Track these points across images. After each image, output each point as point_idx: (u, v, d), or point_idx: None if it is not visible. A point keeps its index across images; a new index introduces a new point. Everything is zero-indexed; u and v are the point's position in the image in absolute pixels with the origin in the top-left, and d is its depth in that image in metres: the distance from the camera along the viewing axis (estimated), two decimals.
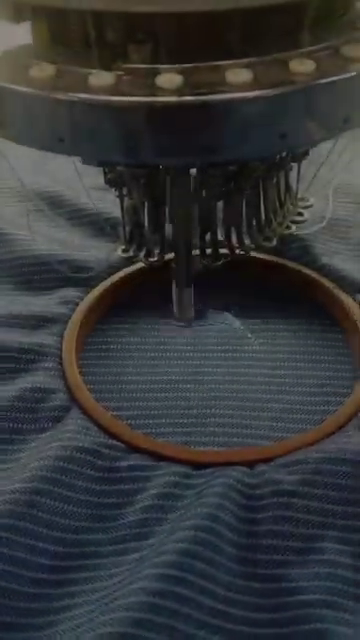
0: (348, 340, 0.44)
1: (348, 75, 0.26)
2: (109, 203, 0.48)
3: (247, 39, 0.26)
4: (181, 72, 0.25)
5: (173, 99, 0.25)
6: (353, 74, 0.26)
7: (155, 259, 0.39)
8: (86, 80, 0.26)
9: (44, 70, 0.26)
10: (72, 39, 0.27)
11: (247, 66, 0.25)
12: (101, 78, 0.26)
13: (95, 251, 0.48)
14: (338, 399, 0.39)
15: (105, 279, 0.46)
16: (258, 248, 0.39)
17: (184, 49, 0.26)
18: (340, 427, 0.36)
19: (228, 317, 0.45)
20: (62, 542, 0.32)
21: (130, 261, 0.46)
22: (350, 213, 0.53)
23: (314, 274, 0.46)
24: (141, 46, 0.26)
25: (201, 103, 0.25)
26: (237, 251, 0.39)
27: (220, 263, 0.39)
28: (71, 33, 0.27)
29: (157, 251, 0.39)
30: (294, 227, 0.41)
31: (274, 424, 0.38)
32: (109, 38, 0.26)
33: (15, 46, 0.29)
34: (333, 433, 0.36)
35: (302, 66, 0.26)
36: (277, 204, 0.39)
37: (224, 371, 0.42)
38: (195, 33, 0.26)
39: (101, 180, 0.37)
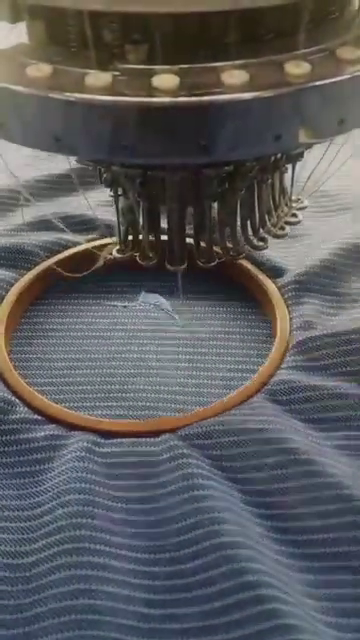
0: (268, 321, 0.46)
1: (343, 77, 0.26)
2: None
3: (243, 41, 0.26)
4: (177, 73, 0.25)
5: (169, 100, 0.25)
6: (348, 76, 0.26)
7: (150, 259, 0.39)
8: (82, 80, 0.26)
9: (41, 70, 0.26)
10: (68, 39, 0.27)
11: (243, 67, 0.26)
12: (98, 78, 0.26)
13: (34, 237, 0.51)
14: (253, 376, 0.41)
15: (40, 263, 0.49)
16: (252, 249, 0.40)
17: (180, 50, 0.26)
18: (245, 400, 0.39)
19: (158, 298, 0.48)
20: None
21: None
22: None
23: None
24: (137, 47, 0.26)
25: (197, 104, 0.25)
26: (231, 252, 0.39)
27: (214, 263, 0.39)
28: (68, 33, 0.27)
29: (152, 251, 0.39)
30: (288, 228, 0.41)
31: (190, 398, 0.41)
32: (106, 38, 0.26)
33: (11, 45, 0.29)
34: (238, 405, 0.38)
35: (297, 68, 0.26)
36: (272, 205, 0.39)
37: (148, 349, 0.44)
38: (191, 34, 0.26)
39: None
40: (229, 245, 0.39)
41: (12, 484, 0.35)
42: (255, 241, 0.39)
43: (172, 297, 0.48)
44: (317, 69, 0.26)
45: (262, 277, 0.48)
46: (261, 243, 0.39)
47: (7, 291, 0.46)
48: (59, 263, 0.48)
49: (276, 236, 0.40)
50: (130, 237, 0.39)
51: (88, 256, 0.47)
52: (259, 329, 0.46)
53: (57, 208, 0.54)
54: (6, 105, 0.27)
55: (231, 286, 0.49)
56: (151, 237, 0.38)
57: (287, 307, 0.45)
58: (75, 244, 0.50)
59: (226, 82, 0.25)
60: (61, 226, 0.48)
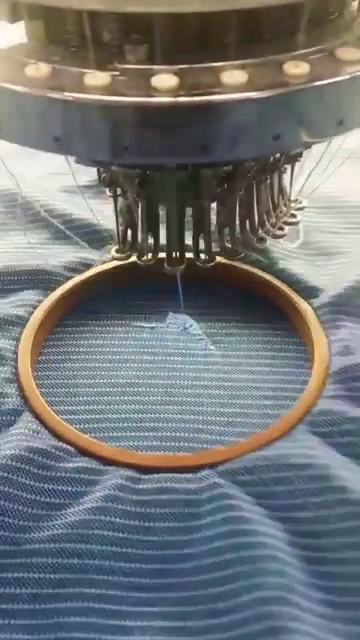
0: (304, 344, 0.44)
1: (342, 78, 0.26)
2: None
3: (242, 41, 0.26)
4: (176, 73, 0.25)
5: (168, 100, 0.25)
6: (347, 77, 0.26)
7: (149, 259, 0.39)
8: (82, 80, 0.26)
9: (40, 69, 0.26)
10: (68, 39, 0.27)
11: (242, 68, 0.26)
12: (97, 78, 0.26)
13: (55, 256, 0.49)
14: (291, 403, 0.39)
15: (64, 282, 0.47)
16: (251, 249, 0.39)
17: (180, 50, 0.26)
18: (286, 432, 0.36)
19: (188, 320, 0.45)
20: (4, 541, 0.32)
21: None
22: (309, 217, 0.52)
23: (271, 278, 0.46)
24: (137, 47, 0.26)
25: (196, 104, 0.25)
26: (230, 252, 0.39)
27: (213, 264, 0.39)
28: (67, 33, 0.27)
29: (150, 252, 0.39)
30: (287, 229, 0.41)
31: (226, 429, 0.38)
32: (105, 38, 0.27)
33: (10, 45, 0.29)
34: (280, 437, 0.36)
35: (296, 68, 0.26)
36: (270, 205, 0.39)
37: (179, 375, 0.42)
38: (190, 34, 0.26)
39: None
40: (228, 245, 0.39)
41: (34, 514, 0.33)
42: (254, 241, 0.39)
43: (201, 319, 0.45)
44: (316, 69, 0.26)
45: (296, 298, 0.45)
46: (260, 244, 0.39)
47: (31, 313, 0.44)
48: (83, 283, 0.47)
49: (275, 236, 0.40)
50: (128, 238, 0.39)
51: (111, 275, 0.46)
52: (294, 352, 0.43)
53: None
54: (5, 105, 0.27)
55: (263, 307, 0.46)
56: (150, 238, 0.38)
57: (324, 330, 0.43)
58: (99, 262, 0.48)
59: (225, 82, 0.25)
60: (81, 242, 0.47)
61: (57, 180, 0.56)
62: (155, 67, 0.26)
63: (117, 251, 0.40)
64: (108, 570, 0.30)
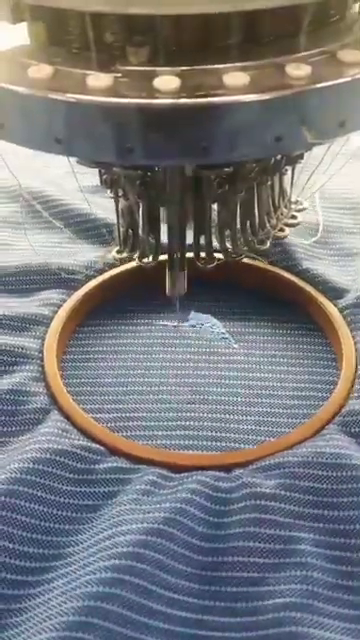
0: (329, 344, 0.44)
1: (343, 80, 0.26)
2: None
3: (244, 43, 0.26)
4: (178, 75, 0.25)
5: (170, 101, 0.25)
6: (349, 79, 0.26)
7: (150, 260, 0.39)
8: (84, 81, 0.26)
9: (42, 71, 0.27)
10: (70, 40, 0.27)
11: (244, 69, 0.26)
12: (99, 80, 0.26)
13: (80, 254, 0.49)
14: (319, 403, 0.40)
15: (88, 282, 0.47)
16: (252, 251, 0.39)
17: (182, 52, 0.26)
18: (318, 431, 0.36)
19: (211, 319, 0.46)
20: (39, 544, 0.32)
21: (122, 262, 0.46)
22: (331, 218, 0.53)
23: (295, 278, 0.47)
24: (139, 48, 0.26)
25: (198, 106, 0.25)
26: (231, 254, 0.39)
27: (214, 265, 0.39)
28: (69, 34, 0.27)
29: (152, 253, 0.39)
30: (288, 230, 0.41)
31: (255, 428, 0.39)
32: (107, 40, 0.27)
33: (12, 47, 0.29)
34: (311, 437, 0.36)
35: (298, 70, 0.26)
36: (271, 207, 0.39)
37: (205, 374, 0.42)
38: (193, 36, 0.26)
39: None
40: (229, 246, 0.39)
41: (69, 517, 0.33)
42: (255, 243, 0.39)
43: (225, 318, 0.46)
44: (318, 71, 0.26)
45: (322, 298, 0.45)
46: (261, 245, 0.39)
47: (55, 312, 0.44)
48: (106, 282, 0.47)
49: (276, 237, 0.40)
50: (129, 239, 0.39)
51: (135, 274, 0.46)
52: (320, 353, 0.44)
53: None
54: (7, 106, 0.27)
55: (287, 308, 0.47)
56: (151, 239, 0.38)
57: (350, 331, 0.43)
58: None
59: (227, 84, 0.25)
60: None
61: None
62: (157, 69, 0.26)
63: (118, 252, 0.40)
64: (147, 558, 0.30)
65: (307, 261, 0.48)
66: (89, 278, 0.47)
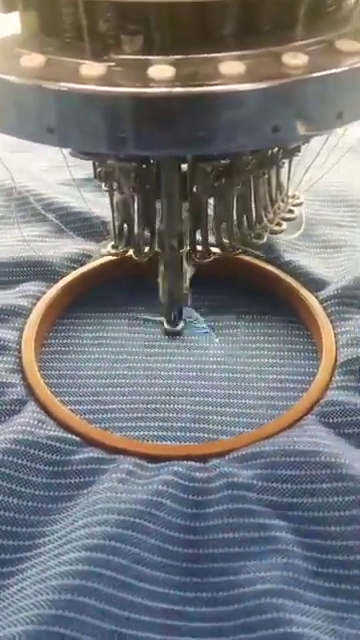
0: (310, 336, 0.44)
1: (341, 70, 0.26)
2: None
3: (240, 31, 0.26)
4: (173, 64, 0.25)
5: (164, 90, 0.24)
6: (346, 69, 0.26)
7: (145, 254, 0.38)
8: (77, 70, 0.25)
9: (34, 60, 0.26)
10: (63, 29, 0.27)
11: (240, 59, 0.25)
12: (92, 69, 0.25)
13: (62, 247, 0.49)
14: (298, 394, 0.40)
15: (66, 274, 0.47)
16: (248, 246, 0.39)
17: (176, 40, 0.26)
18: (295, 422, 0.37)
19: (192, 313, 0.45)
20: (12, 536, 0.32)
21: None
22: (314, 210, 0.53)
23: (277, 270, 0.47)
24: (133, 37, 0.26)
25: (194, 95, 0.24)
26: (228, 248, 0.38)
27: (210, 260, 0.38)
28: (62, 23, 0.27)
29: (147, 247, 0.38)
30: (284, 224, 0.41)
31: (233, 419, 0.39)
32: (101, 28, 0.26)
33: (4, 36, 0.29)
34: (288, 427, 0.36)
35: (295, 59, 0.25)
36: (268, 201, 0.39)
37: (185, 367, 0.42)
38: (188, 24, 0.26)
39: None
40: (225, 241, 0.38)
41: (42, 508, 0.33)
42: (251, 237, 0.39)
43: (206, 312, 0.46)
44: (315, 60, 0.26)
45: (302, 290, 0.45)
46: (257, 240, 0.39)
47: (34, 304, 0.44)
48: (86, 275, 0.47)
49: (273, 232, 0.40)
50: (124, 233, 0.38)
51: (116, 265, 0.46)
52: (301, 344, 0.44)
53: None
54: None
55: (269, 300, 0.47)
56: (147, 233, 0.38)
57: (331, 322, 0.43)
58: (96, 257, 0.48)
59: (223, 73, 0.25)
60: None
61: (60, 173, 0.55)
62: (152, 57, 0.26)
63: (113, 247, 0.39)
64: (124, 552, 0.30)
65: (289, 253, 0.48)
66: (70, 270, 0.47)
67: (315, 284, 0.46)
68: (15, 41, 0.28)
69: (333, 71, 0.25)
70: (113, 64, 0.26)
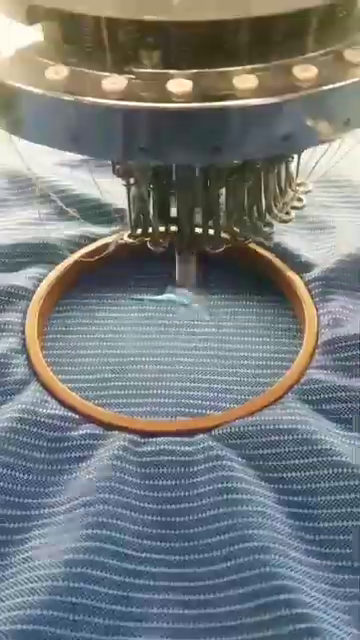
0: (295, 317, 0.46)
1: (350, 81, 0.27)
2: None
3: (253, 46, 0.27)
4: (190, 77, 0.26)
5: (185, 105, 0.26)
6: (355, 80, 0.27)
7: (160, 244, 0.40)
8: (99, 84, 0.27)
9: (59, 73, 0.27)
10: (85, 42, 0.28)
11: (253, 72, 0.27)
12: (114, 82, 0.27)
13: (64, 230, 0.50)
14: (282, 372, 0.42)
15: (68, 256, 0.48)
16: (258, 234, 0.41)
17: (193, 55, 0.27)
18: (278, 399, 0.39)
19: (185, 292, 0.47)
20: (14, 506, 0.34)
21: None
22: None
23: (265, 252, 0.48)
24: (152, 52, 0.27)
25: (211, 109, 0.26)
26: (239, 237, 0.40)
27: (222, 249, 0.40)
28: (84, 37, 0.28)
29: (162, 237, 0.40)
30: (293, 213, 0.42)
31: (221, 395, 0.41)
32: (122, 43, 0.27)
33: (27, 44, 0.30)
34: (270, 404, 0.39)
35: (305, 72, 0.27)
36: (278, 192, 0.40)
37: (176, 345, 0.45)
38: (204, 40, 0.27)
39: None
40: (236, 230, 0.40)
41: (45, 481, 0.36)
42: (262, 226, 0.40)
43: (198, 292, 0.47)
44: (325, 72, 0.27)
45: (289, 272, 0.47)
46: (267, 228, 0.40)
47: (36, 287, 0.46)
48: (86, 256, 0.48)
49: (282, 221, 0.41)
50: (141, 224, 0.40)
51: (117, 248, 0.46)
52: (287, 324, 0.46)
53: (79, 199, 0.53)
54: (25, 106, 0.28)
55: (258, 281, 0.48)
56: (161, 225, 0.39)
57: (314, 303, 0.45)
58: (100, 237, 0.50)
59: (238, 87, 0.26)
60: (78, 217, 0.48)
61: (58, 154, 0.55)
62: (170, 71, 0.27)
63: (130, 236, 0.41)
64: (119, 515, 0.33)
65: (278, 235, 0.48)
66: (71, 252, 0.49)
67: (302, 265, 0.47)
68: (37, 50, 0.30)
69: (342, 83, 0.27)
70: (133, 77, 0.27)
